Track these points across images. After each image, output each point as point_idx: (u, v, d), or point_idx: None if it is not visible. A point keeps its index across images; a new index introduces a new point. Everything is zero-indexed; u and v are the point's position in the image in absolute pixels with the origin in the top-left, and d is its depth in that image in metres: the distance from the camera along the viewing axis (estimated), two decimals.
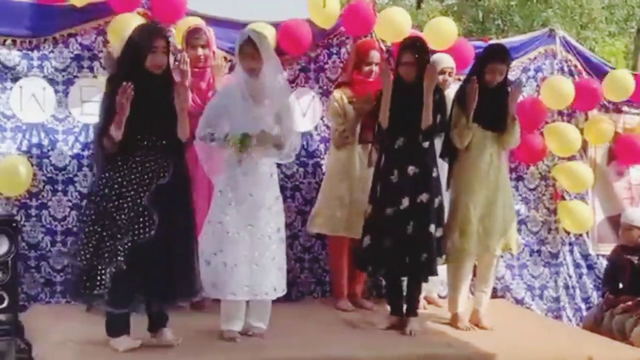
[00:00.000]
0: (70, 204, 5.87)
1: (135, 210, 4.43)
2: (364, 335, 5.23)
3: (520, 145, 6.71)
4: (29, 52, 5.78)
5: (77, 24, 5.85)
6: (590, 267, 7.11)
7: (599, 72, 7.07)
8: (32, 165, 5.77)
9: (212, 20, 6.02)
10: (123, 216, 4.41)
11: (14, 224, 5.48)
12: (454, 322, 5.55)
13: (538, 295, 6.96)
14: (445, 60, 6.01)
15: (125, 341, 4.57)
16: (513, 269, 6.89)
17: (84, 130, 5.89)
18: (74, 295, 4.70)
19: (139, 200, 4.44)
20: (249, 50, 4.84)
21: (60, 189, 5.85)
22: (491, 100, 5.37)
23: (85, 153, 5.89)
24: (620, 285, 6.44)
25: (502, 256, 6.20)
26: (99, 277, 4.39)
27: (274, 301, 5.01)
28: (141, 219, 4.44)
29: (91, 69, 5.90)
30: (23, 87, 5.78)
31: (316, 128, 6.33)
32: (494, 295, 6.62)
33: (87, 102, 5.87)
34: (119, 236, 4.40)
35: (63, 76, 5.86)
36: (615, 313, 6.14)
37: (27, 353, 5.01)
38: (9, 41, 5.75)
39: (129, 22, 5.42)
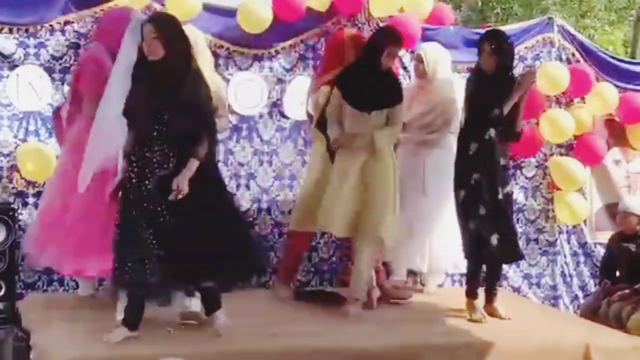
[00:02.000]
0: None
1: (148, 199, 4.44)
2: (360, 323, 5.23)
3: None
4: (26, 40, 5.76)
5: (74, 12, 5.83)
6: (587, 255, 7.12)
7: (597, 60, 7.06)
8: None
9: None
10: (144, 205, 4.44)
11: (11, 212, 5.49)
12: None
13: (535, 283, 6.98)
14: None
15: (123, 333, 4.56)
16: None
17: None
18: (124, 284, 4.58)
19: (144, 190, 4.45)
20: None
21: None
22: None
23: None
24: (618, 274, 6.46)
25: None
26: (147, 267, 4.42)
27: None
28: (157, 208, 4.44)
29: None
30: (19, 75, 5.76)
31: None
32: None
33: None
34: (144, 225, 4.42)
35: (60, 64, 5.84)
36: (612, 301, 6.15)
37: (25, 341, 5.00)
38: (5, 29, 5.72)
39: None
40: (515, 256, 5.69)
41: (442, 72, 5.99)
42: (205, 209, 4.51)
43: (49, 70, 5.83)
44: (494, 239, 5.30)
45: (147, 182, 4.45)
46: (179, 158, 4.45)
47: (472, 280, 5.57)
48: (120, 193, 4.53)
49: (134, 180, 4.47)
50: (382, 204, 5.31)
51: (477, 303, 5.53)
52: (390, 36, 5.44)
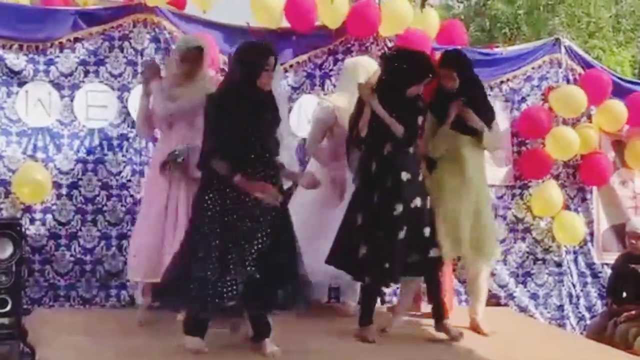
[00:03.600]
0: (74, 208, 5.89)
1: (253, 221, 4.45)
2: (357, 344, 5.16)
3: (525, 160, 6.79)
4: (35, 57, 5.82)
5: (84, 29, 5.88)
6: (594, 276, 7.10)
7: None
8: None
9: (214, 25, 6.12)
10: (245, 227, 4.44)
11: (18, 228, 5.51)
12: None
13: (542, 303, 6.96)
14: None
15: (197, 342, 4.55)
16: (517, 277, 6.89)
17: (89, 134, 5.93)
18: (202, 307, 4.50)
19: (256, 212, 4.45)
20: None
21: (64, 193, 5.88)
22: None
23: (90, 158, 5.92)
24: (624, 294, 6.43)
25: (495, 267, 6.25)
26: (229, 287, 4.40)
27: None
28: (260, 229, 4.46)
29: (97, 73, 5.94)
30: (29, 92, 5.81)
31: None
32: (498, 303, 6.65)
33: (92, 106, 5.92)
34: (246, 245, 4.42)
35: (69, 81, 5.89)
36: (619, 322, 6.13)
37: (31, 357, 5.01)
38: (15, 46, 5.78)
39: None
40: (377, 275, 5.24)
41: None
42: (282, 234, 4.57)
43: (58, 87, 5.87)
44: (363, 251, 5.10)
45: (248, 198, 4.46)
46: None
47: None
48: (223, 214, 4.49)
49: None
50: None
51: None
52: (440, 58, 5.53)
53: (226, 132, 4.42)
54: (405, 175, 5.08)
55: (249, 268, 4.40)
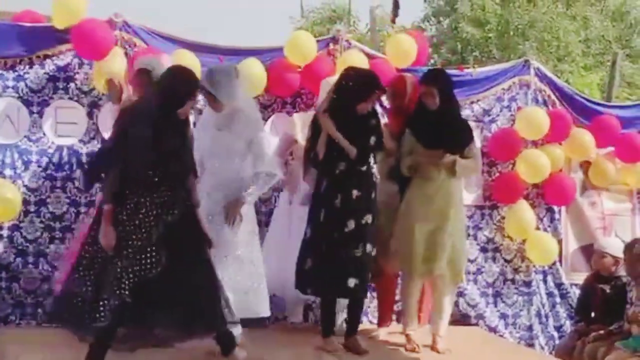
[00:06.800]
0: (42, 225, 5.84)
1: (144, 246, 4.41)
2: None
3: (497, 185, 6.83)
4: (4, 73, 5.78)
5: (54, 46, 5.85)
6: (563, 296, 7.13)
7: (572, 103, 7.14)
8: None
9: (202, 48, 6.11)
10: (130, 250, 4.38)
11: None
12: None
13: (511, 323, 6.98)
14: None
15: None
16: (487, 297, 6.90)
17: (58, 151, 5.88)
18: (76, 325, 4.56)
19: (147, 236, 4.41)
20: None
21: (32, 210, 5.82)
22: (435, 124, 5.40)
23: (59, 175, 5.87)
24: (593, 314, 6.46)
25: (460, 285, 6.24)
26: (101, 308, 4.36)
27: None
28: (149, 255, 4.41)
29: (66, 90, 5.90)
30: None
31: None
32: (468, 323, 6.66)
33: (61, 123, 5.88)
34: (128, 269, 4.36)
35: (38, 97, 5.86)
36: (587, 342, 6.14)
37: None
38: None
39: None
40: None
41: None
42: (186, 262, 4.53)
43: (27, 103, 5.83)
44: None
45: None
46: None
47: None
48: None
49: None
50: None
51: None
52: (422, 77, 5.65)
53: (134, 150, 4.38)
54: (355, 193, 5.17)
55: (123, 292, 4.33)
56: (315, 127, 5.29)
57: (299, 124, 5.85)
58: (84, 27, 5.75)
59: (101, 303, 4.35)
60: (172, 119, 4.46)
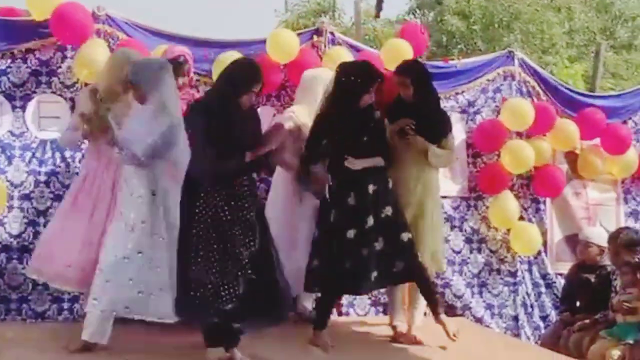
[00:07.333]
0: (26, 220, 5.81)
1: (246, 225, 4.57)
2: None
3: (482, 176, 6.83)
4: None
5: (36, 40, 5.82)
6: (548, 286, 7.16)
7: (556, 93, 7.17)
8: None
9: (188, 41, 6.06)
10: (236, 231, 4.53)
11: None
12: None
13: (497, 313, 7.00)
14: None
15: (219, 353, 4.62)
16: (473, 288, 6.92)
17: (41, 146, 5.85)
18: (204, 314, 4.57)
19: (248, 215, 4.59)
20: None
21: (16, 205, 5.80)
22: (411, 115, 5.39)
23: (43, 169, 5.84)
24: (578, 304, 6.50)
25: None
26: (229, 291, 4.48)
27: None
28: (250, 232, 4.57)
29: (49, 84, 5.87)
30: None
31: None
32: (454, 314, 6.67)
33: (44, 117, 5.85)
34: (240, 250, 4.51)
35: (21, 91, 5.82)
36: (573, 331, 6.18)
37: None
38: None
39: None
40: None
41: None
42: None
43: (10, 98, 5.80)
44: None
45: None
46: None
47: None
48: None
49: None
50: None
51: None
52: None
53: (221, 139, 4.54)
54: (372, 188, 5.16)
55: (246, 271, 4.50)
56: (315, 133, 5.25)
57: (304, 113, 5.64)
58: (62, 10, 5.70)
59: (227, 286, 4.47)
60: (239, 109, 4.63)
